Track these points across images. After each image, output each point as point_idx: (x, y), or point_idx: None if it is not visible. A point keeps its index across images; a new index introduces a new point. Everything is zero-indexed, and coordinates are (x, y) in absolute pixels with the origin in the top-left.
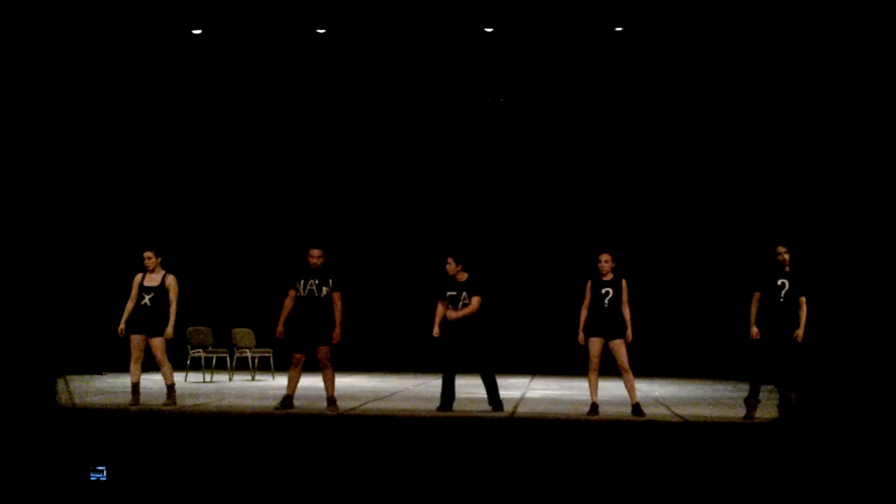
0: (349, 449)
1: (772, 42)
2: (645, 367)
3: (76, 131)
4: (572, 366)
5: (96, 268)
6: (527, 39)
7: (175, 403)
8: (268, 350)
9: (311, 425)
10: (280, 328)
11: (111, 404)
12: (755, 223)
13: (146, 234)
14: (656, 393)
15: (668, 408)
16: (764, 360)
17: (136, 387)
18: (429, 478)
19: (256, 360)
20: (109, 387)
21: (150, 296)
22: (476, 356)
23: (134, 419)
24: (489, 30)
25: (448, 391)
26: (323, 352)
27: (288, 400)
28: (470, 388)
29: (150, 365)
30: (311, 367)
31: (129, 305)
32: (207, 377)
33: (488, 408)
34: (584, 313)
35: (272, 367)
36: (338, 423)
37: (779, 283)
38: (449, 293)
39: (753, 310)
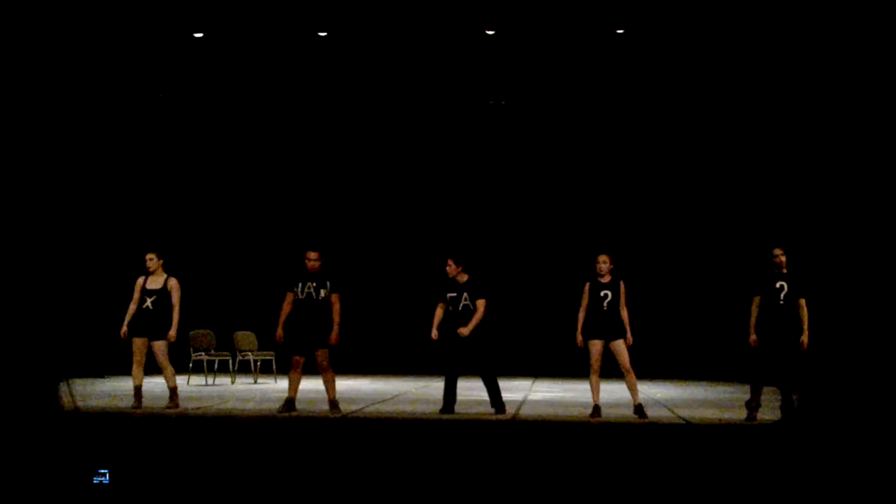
0: (352, 452)
1: (770, 45)
2: (647, 369)
3: (79, 134)
4: (574, 368)
5: (99, 271)
6: (528, 42)
7: (177, 406)
8: (270, 353)
9: (313, 428)
10: (280, 331)
11: (114, 407)
12: (753, 224)
13: (148, 237)
14: (658, 395)
15: (670, 409)
16: (765, 362)
17: (138, 390)
18: (432, 480)
19: (259, 364)
20: (112, 390)
21: (152, 299)
22: (478, 358)
23: (136, 422)
24: (490, 32)
25: (450, 393)
26: (322, 355)
27: (290, 403)
28: (472, 391)
29: (152, 368)
30: (312, 370)
31: (132, 308)
32: (209, 380)
33: (491, 410)
34: (581, 315)
35: (274, 370)
36: (340, 425)
37: (777, 285)
38: (449, 295)
39: (753, 315)
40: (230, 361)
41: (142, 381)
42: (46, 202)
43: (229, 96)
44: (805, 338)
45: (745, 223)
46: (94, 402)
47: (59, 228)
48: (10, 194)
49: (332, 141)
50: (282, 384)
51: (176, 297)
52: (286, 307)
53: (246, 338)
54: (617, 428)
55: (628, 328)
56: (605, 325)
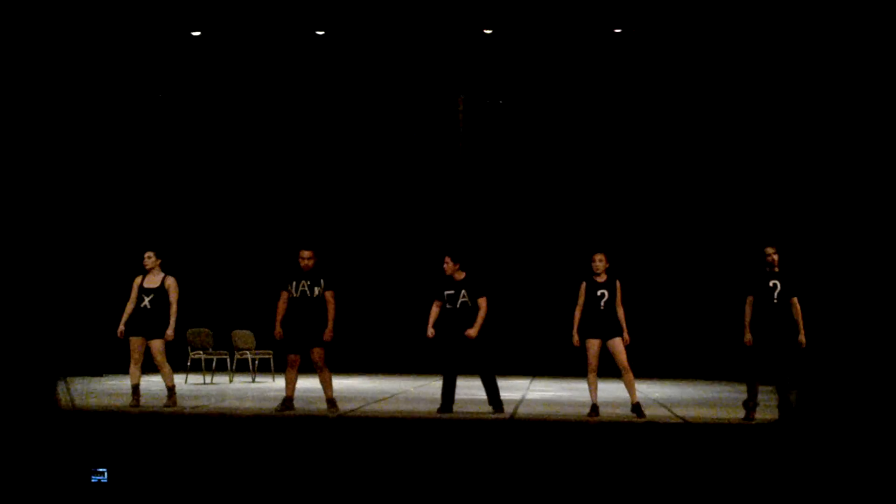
0: (350, 450)
1: (764, 46)
2: (645, 369)
3: (77, 133)
4: (572, 367)
5: (96, 270)
6: (525, 41)
7: (175, 405)
8: (268, 352)
9: (311, 427)
10: (278, 328)
11: (112, 406)
12: (749, 223)
13: (146, 235)
14: (656, 394)
15: (668, 409)
16: (760, 362)
17: (136, 389)
18: (429, 479)
19: (256, 362)
20: (110, 389)
21: (149, 297)
22: (476, 357)
23: (134, 421)
24: (488, 31)
25: (448, 393)
26: (317, 354)
27: (288, 402)
28: (470, 390)
29: (150, 367)
30: (309, 369)
31: (129, 308)
32: (207, 379)
33: (489, 409)
34: (577, 315)
35: (272, 368)
36: (338, 424)
37: (770, 284)
38: (447, 292)
39: (748, 315)
40: (228, 360)
41: (139, 380)
42: (46, 201)
43: (227, 95)
44: (802, 336)
45: (742, 222)
46: (93, 401)
47: (58, 228)
48: (9, 195)
49: (330, 139)
50: (280, 383)
51: (174, 296)
52: (281, 305)
53: (244, 336)
54: (615, 427)
55: (625, 327)
56: (603, 325)
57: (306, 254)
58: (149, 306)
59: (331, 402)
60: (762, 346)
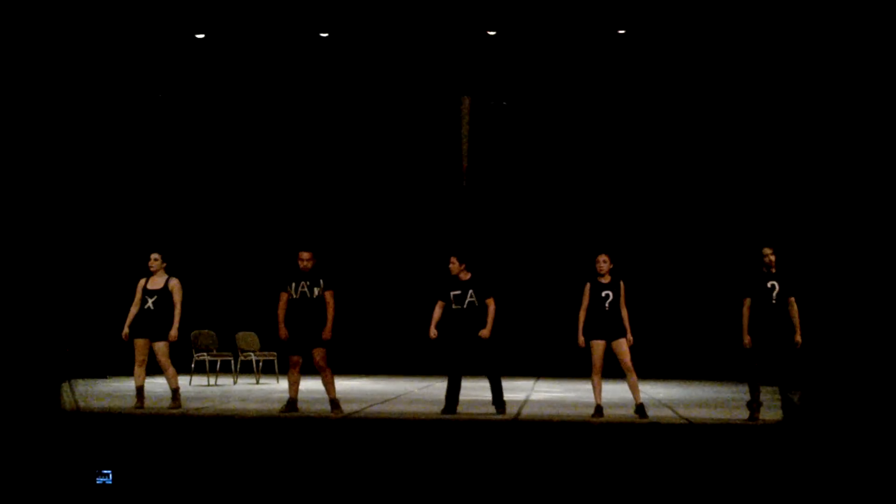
0: (354, 452)
1: (764, 47)
2: (649, 369)
3: (80, 135)
4: (576, 368)
5: (101, 272)
6: (529, 42)
7: (180, 407)
8: (272, 353)
9: (315, 428)
10: (283, 329)
11: (116, 408)
12: (752, 224)
13: (150, 237)
14: (660, 395)
15: (672, 409)
16: (760, 363)
17: (140, 390)
18: (434, 480)
19: (261, 364)
20: (114, 390)
21: (153, 299)
22: (485, 357)
23: (139, 423)
24: (492, 33)
25: (453, 394)
26: (319, 354)
27: (292, 403)
28: (473, 391)
29: (154, 368)
30: (312, 370)
31: (133, 310)
32: (212, 380)
33: (491, 409)
34: (582, 316)
35: (276, 370)
36: (342, 426)
37: (768, 285)
38: (453, 293)
39: (745, 316)
40: (232, 362)
41: (144, 382)
42: (48, 203)
43: (230, 97)
44: (798, 336)
45: (745, 222)
46: (97, 403)
47: (61, 229)
48: (13, 197)
49: (334, 140)
50: (284, 384)
51: (177, 297)
52: (282, 306)
53: (248, 338)
54: (619, 428)
55: (628, 328)
56: (608, 326)
57: (305, 255)
58: (153, 308)
59: (334, 403)
60: (761, 347)
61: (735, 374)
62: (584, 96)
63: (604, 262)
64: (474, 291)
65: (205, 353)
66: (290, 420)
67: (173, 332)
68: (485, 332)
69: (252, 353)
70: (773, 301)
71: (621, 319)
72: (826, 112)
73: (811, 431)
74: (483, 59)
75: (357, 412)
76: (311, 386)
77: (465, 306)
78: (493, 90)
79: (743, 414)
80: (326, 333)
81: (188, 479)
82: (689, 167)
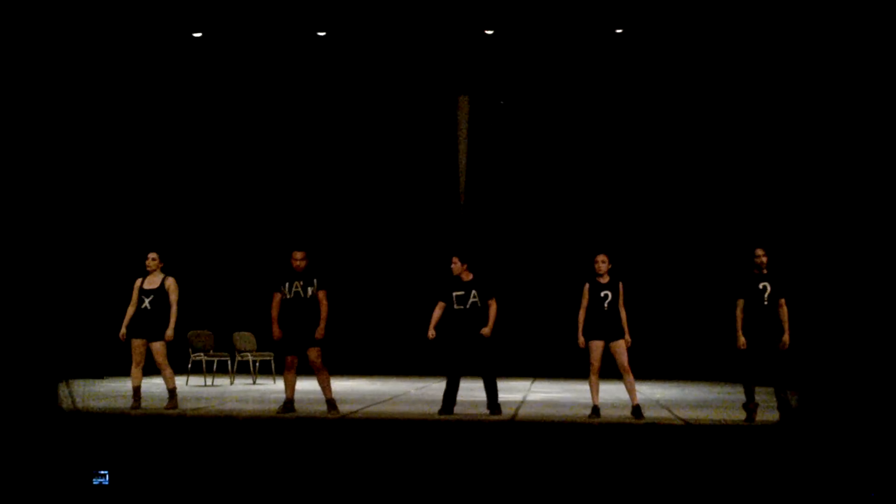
0: (351, 452)
1: (764, 48)
2: (646, 370)
3: (78, 134)
4: (573, 369)
5: (98, 272)
6: (526, 42)
7: (176, 407)
8: (269, 354)
9: (312, 429)
10: (276, 329)
11: (113, 408)
12: (742, 225)
13: (147, 237)
14: (658, 395)
15: (669, 410)
16: (754, 364)
17: (137, 391)
18: (431, 481)
19: (257, 364)
20: (111, 391)
21: (149, 299)
22: (483, 358)
23: (136, 423)
24: (489, 32)
25: (451, 394)
26: (314, 353)
27: (289, 404)
28: (471, 391)
29: (151, 369)
30: (309, 370)
31: (130, 311)
32: (208, 381)
33: (486, 411)
34: (582, 316)
35: (273, 370)
36: (339, 426)
37: (760, 286)
38: (455, 293)
39: (739, 318)
40: (229, 362)
41: (140, 382)
42: (46, 202)
43: (228, 97)
44: (787, 337)
45: (738, 223)
46: (94, 403)
47: (59, 229)
48: (10, 197)
49: (332, 140)
50: (281, 385)
51: (174, 297)
52: (275, 306)
53: (245, 338)
54: (616, 429)
55: (627, 328)
56: (606, 326)
57: (299, 255)
58: (149, 308)
59: (330, 402)
60: (754, 348)
61: (732, 375)
62: (581, 96)
63: (603, 263)
64: (477, 292)
65: (201, 354)
66: (286, 420)
67: (169, 332)
68: (486, 331)
69: (249, 354)
70: (766, 302)
71: (620, 320)
72: (818, 113)
73: (808, 432)
74: (480, 58)
75: (354, 412)
76: (307, 386)
77: (467, 307)
78: (491, 89)
79: (740, 415)
80: (320, 333)
81: (185, 479)
82: (684, 167)
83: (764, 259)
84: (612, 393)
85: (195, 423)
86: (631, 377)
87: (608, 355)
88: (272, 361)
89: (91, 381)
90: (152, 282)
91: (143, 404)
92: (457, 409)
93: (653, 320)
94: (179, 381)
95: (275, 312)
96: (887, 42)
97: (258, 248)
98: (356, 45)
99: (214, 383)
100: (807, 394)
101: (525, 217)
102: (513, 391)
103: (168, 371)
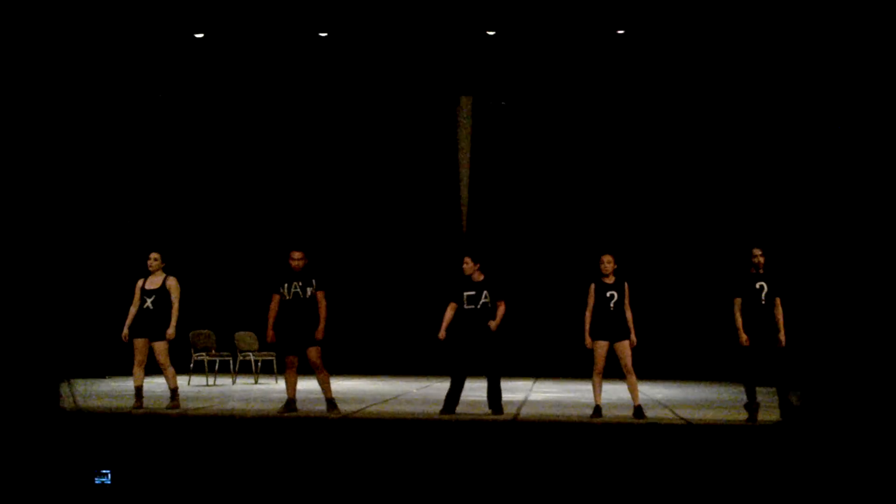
0: (353, 452)
1: (764, 49)
2: (648, 370)
3: (79, 134)
4: (575, 368)
5: (100, 272)
6: (529, 42)
7: (178, 407)
8: (271, 354)
9: (314, 428)
10: (270, 332)
11: (115, 408)
12: (739, 224)
13: (149, 237)
14: (659, 395)
15: (671, 410)
16: (755, 363)
17: (139, 390)
18: (432, 481)
19: (259, 364)
20: (113, 390)
21: (151, 299)
22: (490, 358)
23: (138, 423)
24: (491, 33)
25: (455, 394)
26: (314, 353)
27: (291, 403)
28: (473, 391)
29: (153, 368)
30: (310, 370)
31: (132, 311)
32: (210, 380)
33: (487, 411)
34: (588, 316)
35: (275, 370)
36: (341, 426)
37: (757, 286)
38: (467, 293)
39: (738, 316)
40: (231, 362)
41: (142, 382)
42: (48, 202)
43: (230, 97)
44: (782, 336)
45: (736, 222)
46: (96, 403)
47: (61, 229)
48: (12, 197)
49: (335, 140)
50: (282, 384)
51: (175, 296)
52: (273, 308)
53: (247, 338)
54: (617, 428)
55: (632, 329)
56: (612, 326)
57: (297, 254)
58: (151, 307)
59: (330, 402)
60: (754, 348)
61: (733, 375)
62: (582, 96)
63: (608, 263)
64: (489, 293)
65: (203, 354)
66: (288, 420)
67: (170, 331)
68: (493, 323)
69: (251, 353)
70: (763, 301)
71: (625, 320)
72: (814, 114)
73: (809, 432)
74: (482, 58)
75: (356, 412)
76: (309, 386)
77: (478, 307)
78: (493, 90)
79: (741, 414)
80: (319, 333)
81: (187, 479)
82: (683, 167)
83: (761, 259)
84: (615, 393)
85: (197, 423)
86: (634, 378)
87: (612, 355)
88: (274, 361)
89: (93, 380)
90: (154, 282)
91: (145, 404)
92: (458, 410)
93: (655, 320)
94: (181, 381)
95: (272, 315)
96: (882, 43)
97: (260, 248)
98: (358, 46)
99: (216, 383)
100: (808, 394)
101: (525, 217)
102: (514, 391)
103: (170, 371)
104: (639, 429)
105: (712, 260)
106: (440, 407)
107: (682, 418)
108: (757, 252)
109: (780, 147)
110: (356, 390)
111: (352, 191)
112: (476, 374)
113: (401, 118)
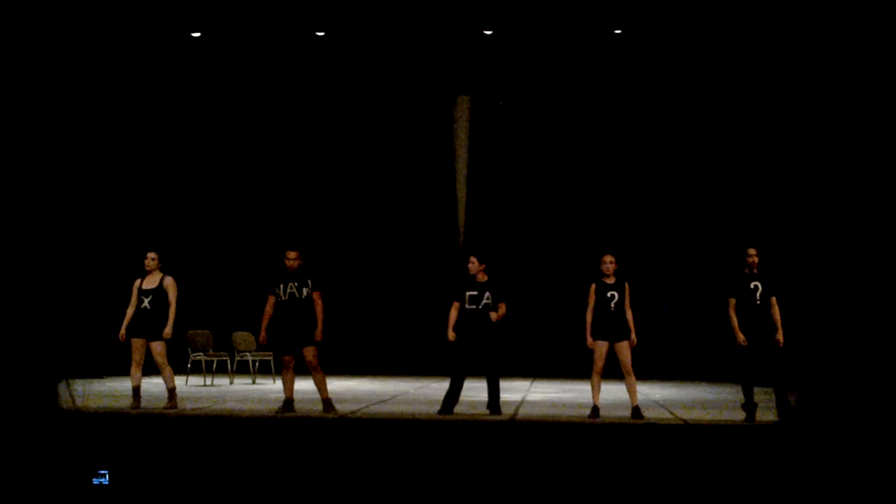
0: (351, 452)
1: (762, 50)
2: (646, 370)
3: (77, 134)
4: (572, 369)
5: (97, 271)
6: (526, 42)
7: (176, 407)
8: (268, 354)
9: (312, 428)
10: (263, 334)
11: (113, 408)
12: (734, 224)
13: (146, 237)
14: (657, 395)
15: (669, 410)
16: (751, 364)
17: (136, 390)
18: (430, 481)
19: (257, 364)
20: (111, 390)
21: (148, 298)
22: (489, 358)
23: (136, 423)
24: (488, 32)
25: (454, 395)
26: (310, 353)
27: (288, 404)
28: (471, 392)
29: (150, 368)
30: (306, 371)
31: (130, 311)
32: (208, 381)
33: (485, 411)
34: (589, 317)
35: (273, 370)
36: (339, 426)
37: (752, 286)
38: (469, 293)
39: (733, 316)
40: (228, 362)
41: (140, 382)
42: (46, 202)
43: (227, 96)
44: (780, 335)
45: (731, 222)
46: (94, 403)
47: (59, 228)
48: (9, 196)
49: (333, 140)
50: (280, 385)
51: (172, 295)
52: (269, 310)
53: (244, 338)
54: (616, 429)
55: (633, 329)
56: (612, 327)
57: (292, 254)
58: (149, 307)
59: (326, 403)
60: (750, 348)
61: (731, 375)
62: (579, 96)
63: (610, 263)
64: (491, 294)
65: (201, 354)
66: (286, 420)
67: (167, 330)
68: (494, 315)
69: (248, 354)
70: (758, 301)
71: (626, 321)
72: (809, 114)
73: (807, 432)
74: (479, 58)
75: (354, 412)
76: (307, 386)
77: (480, 307)
78: (490, 89)
79: (739, 415)
80: (318, 335)
81: (185, 479)
82: (680, 167)
83: (755, 259)
84: (613, 393)
85: (195, 423)
86: (633, 379)
87: (612, 356)
88: (272, 361)
89: (91, 380)
90: (151, 281)
91: (143, 404)
92: (456, 410)
93: (653, 320)
94: (179, 381)
95: (266, 316)
96: (882, 43)
97: (257, 248)
98: (355, 46)
99: (214, 383)
100: (806, 393)
101: (522, 216)
102: (513, 391)
103: (168, 371)
104: (637, 429)
105: (709, 260)
106: (438, 407)
107: (680, 418)
108: (751, 252)
109: (775, 147)
110: (353, 390)
111: (349, 190)
112: (476, 374)
113: (398, 117)
